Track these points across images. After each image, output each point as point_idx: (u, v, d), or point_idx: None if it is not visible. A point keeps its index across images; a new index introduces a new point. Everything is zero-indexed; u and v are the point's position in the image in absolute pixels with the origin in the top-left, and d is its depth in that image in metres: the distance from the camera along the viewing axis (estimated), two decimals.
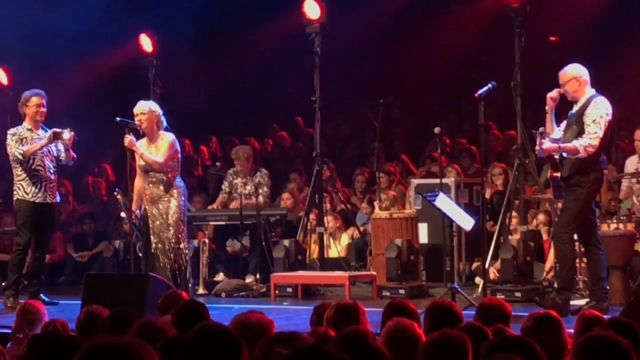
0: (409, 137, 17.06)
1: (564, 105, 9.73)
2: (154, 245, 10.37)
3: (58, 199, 11.62)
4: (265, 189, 13.20)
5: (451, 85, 17.54)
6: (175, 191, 10.43)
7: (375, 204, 13.16)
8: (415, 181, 12.97)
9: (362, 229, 13.34)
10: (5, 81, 15.00)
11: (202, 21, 17.45)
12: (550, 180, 10.06)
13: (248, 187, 13.13)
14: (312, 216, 12.77)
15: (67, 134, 11.17)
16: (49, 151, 11.29)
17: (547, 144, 9.37)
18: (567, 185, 9.46)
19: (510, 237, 11.53)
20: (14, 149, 11.21)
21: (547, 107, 9.65)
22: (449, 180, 12.51)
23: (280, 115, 18.99)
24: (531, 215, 12.30)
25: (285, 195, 13.83)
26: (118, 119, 10.65)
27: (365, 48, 18.17)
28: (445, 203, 10.16)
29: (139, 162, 10.52)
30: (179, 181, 10.53)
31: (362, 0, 17.03)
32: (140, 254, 10.97)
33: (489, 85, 10.05)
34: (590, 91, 9.47)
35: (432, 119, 16.33)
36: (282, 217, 12.88)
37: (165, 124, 10.59)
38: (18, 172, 11.26)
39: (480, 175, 11.10)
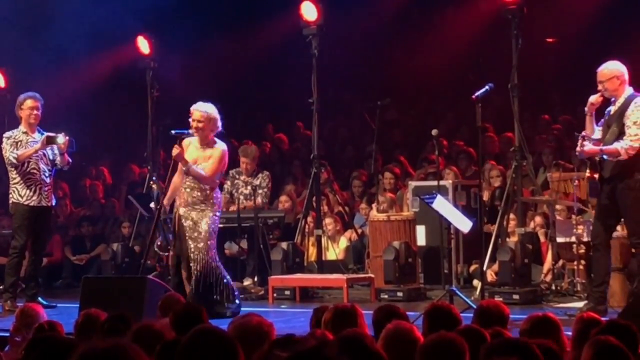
0: (407, 139, 17.07)
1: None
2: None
3: (54, 202, 11.61)
4: (265, 190, 13.16)
5: (449, 87, 17.55)
6: (210, 203, 10.05)
7: (373, 206, 13.16)
8: (413, 183, 12.97)
9: (360, 231, 13.34)
10: (2, 84, 15.00)
11: (199, 23, 17.45)
12: (588, 180, 9.97)
13: (248, 188, 13.11)
14: (309, 219, 12.76)
15: (61, 139, 11.15)
16: (44, 154, 11.28)
17: (588, 147, 9.28)
18: (613, 189, 9.34)
19: (508, 239, 11.53)
20: (8, 153, 11.21)
21: (586, 110, 9.54)
22: (447, 182, 12.51)
23: (277, 118, 19.00)
24: (529, 218, 12.30)
25: (283, 198, 13.83)
26: (173, 132, 10.16)
27: (363, 50, 18.17)
28: (442, 205, 10.16)
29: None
30: (216, 193, 10.14)
31: (359, 2, 17.03)
32: (160, 250, 10.92)
33: (487, 87, 10.04)
34: (628, 90, 9.34)
35: (430, 120, 16.34)
36: (280, 220, 12.87)
37: (219, 128, 10.13)
38: (13, 176, 11.26)
39: (478, 177, 11.09)
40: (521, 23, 11.23)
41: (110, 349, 3.49)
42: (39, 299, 11.24)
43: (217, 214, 10.15)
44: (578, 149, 9.35)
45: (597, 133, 9.47)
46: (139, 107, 14.07)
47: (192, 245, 10.04)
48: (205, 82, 17.33)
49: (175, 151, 9.99)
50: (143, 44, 13.74)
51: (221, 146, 10.13)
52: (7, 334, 7.13)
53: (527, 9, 11.31)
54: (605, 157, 9.31)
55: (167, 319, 5.79)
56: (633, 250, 9.85)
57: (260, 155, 16.60)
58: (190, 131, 10.08)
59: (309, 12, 12.48)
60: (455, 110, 17.20)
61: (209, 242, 10.06)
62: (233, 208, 12.99)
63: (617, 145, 9.19)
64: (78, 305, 9.13)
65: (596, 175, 9.55)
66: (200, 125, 10.02)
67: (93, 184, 16.30)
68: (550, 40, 17.58)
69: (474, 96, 9.94)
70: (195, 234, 10.05)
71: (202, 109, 10.10)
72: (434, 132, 11.11)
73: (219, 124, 10.14)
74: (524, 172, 11.68)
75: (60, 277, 14.55)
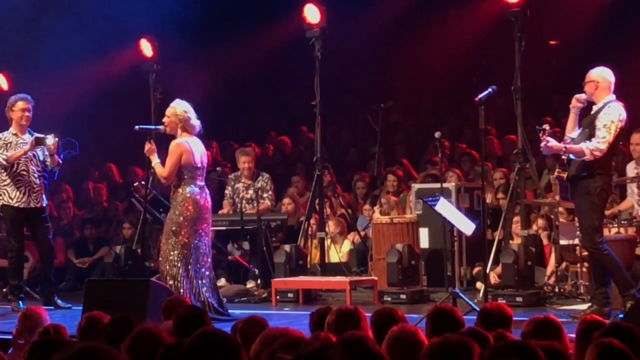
0: (409, 141, 17.07)
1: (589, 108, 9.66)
2: None
3: (44, 202, 11.50)
4: (269, 192, 13.17)
5: (452, 89, 17.54)
6: (176, 201, 9.96)
7: (376, 208, 13.16)
8: (416, 186, 12.96)
9: (362, 233, 13.34)
10: (5, 87, 15.01)
11: (202, 25, 17.46)
12: (556, 179, 10.02)
13: (250, 192, 13.11)
14: (312, 221, 12.77)
15: (50, 140, 11.14)
16: (34, 156, 11.28)
17: (552, 142, 9.34)
18: (574, 188, 9.41)
19: (511, 241, 11.52)
20: None
21: (571, 106, 9.60)
22: (450, 184, 12.51)
23: (280, 120, 19.01)
24: (532, 220, 12.29)
25: (286, 200, 13.83)
26: (137, 127, 10.27)
27: (366, 52, 18.18)
28: (445, 208, 10.15)
29: None
30: (187, 191, 9.92)
31: (362, 5, 17.04)
32: None
33: (489, 90, 10.03)
34: (610, 97, 9.43)
35: (433, 123, 16.35)
36: (283, 222, 12.87)
37: (197, 128, 10.08)
38: (3, 178, 11.28)
39: (481, 180, 11.08)
40: (524, 25, 11.22)
41: (79, 353, 3.52)
42: (56, 299, 11.35)
43: (181, 214, 9.89)
44: (542, 144, 9.38)
45: (576, 133, 9.51)
46: (142, 110, 14.07)
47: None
48: (208, 84, 17.35)
49: (146, 147, 10.10)
50: (146, 47, 13.73)
51: (177, 140, 10.04)
52: (10, 337, 7.14)
53: (530, 12, 11.31)
54: (571, 156, 9.35)
55: (170, 321, 5.80)
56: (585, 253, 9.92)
57: (263, 157, 16.65)
58: (161, 127, 10.13)
59: (312, 14, 12.48)
60: (458, 112, 17.21)
61: (167, 241, 9.93)
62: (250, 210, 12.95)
63: (583, 145, 9.25)
64: (81, 308, 9.13)
65: (564, 175, 9.56)
66: (167, 120, 10.08)
67: (96, 187, 16.30)
68: (553, 42, 17.59)
69: (477, 98, 9.93)
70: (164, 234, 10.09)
71: (171, 105, 10.17)
72: (437, 134, 11.11)
73: (193, 122, 10.08)
74: (527, 175, 11.68)
75: (64, 280, 14.53)
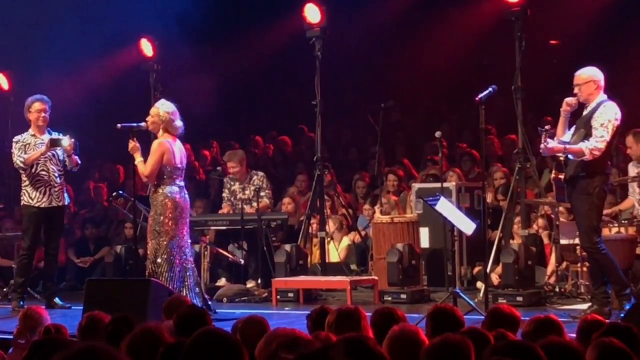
0: (410, 141, 17.07)
1: (579, 109, 9.66)
2: None
3: (67, 201, 11.63)
4: (267, 191, 13.19)
5: (452, 89, 17.55)
6: (156, 201, 9.99)
7: (376, 208, 13.16)
8: (416, 185, 12.96)
9: (363, 233, 13.34)
10: (6, 86, 15.02)
11: (203, 25, 17.46)
12: (553, 181, 10.02)
13: (247, 192, 13.12)
14: (313, 221, 12.77)
15: (66, 141, 11.18)
16: (53, 155, 11.35)
17: (552, 143, 9.34)
18: (572, 189, 9.41)
19: (511, 241, 11.52)
20: (16, 157, 11.31)
21: (561, 110, 9.61)
22: (450, 184, 12.51)
23: (281, 120, 19.01)
24: (532, 219, 12.29)
25: (286, 200, 13.84)
26: (119, 125, 10.30)
27: (366, 52, 18.18)
28: (446, 207, 10.14)
29: None
30: (167, 190, 9.98)
31: (362, 5, 17.04)
32: None
33: (490, 89, 10.03)
34: (602, 96, 9.44)
35: (433, 123, 16.34)
36: (283, 222, 12.87)
37: (179, 129, 10.15)
38: (23, 178, 11.39)
39: (481, 179, 11.08)
40: (524, 25, 11.24)
41: (79, 352, 3.52)
42: (56, 299, 11.39)
43: (162, 213, 9.95)
44: (542, 145, 9.39)
45: (568, 136, 9.52)
46: (143, 110, 14.08)
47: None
48: (209, 84, 17.36)
49: (130, 145, 10.13)
50: (146, 47, 13.75)
51: (158, 139, 10.09)
52: (11, 337, 7.14)
53: (530, 11, 11.32)
54: (570, 156, 9.36)
55: (171, 321, 5.80)
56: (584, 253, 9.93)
57: (263, 157, 16.65)
58: (143, 124, 10.18)
59: (313, 14, 12.48)
60: (459, 112, 17.21)
61: (152, 241, 9.96)
62: (250, 210, 12.96)
63: (582, 145, 9.26)
64: (82, 307, 9.13)
65: (561, 176, 9.56)
66: (150, 119, 10.14)
67: (97, 187, 16.29)
68: (554, 42, 17.58)
69: (477, 98, 9.92)
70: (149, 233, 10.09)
71: (155, 105, 10.25)
72: (438, 134, 11.11)
73: (176, 124, 10.13)
74: (528, 174, 11.68)
75: (64, 280, 14.54)
